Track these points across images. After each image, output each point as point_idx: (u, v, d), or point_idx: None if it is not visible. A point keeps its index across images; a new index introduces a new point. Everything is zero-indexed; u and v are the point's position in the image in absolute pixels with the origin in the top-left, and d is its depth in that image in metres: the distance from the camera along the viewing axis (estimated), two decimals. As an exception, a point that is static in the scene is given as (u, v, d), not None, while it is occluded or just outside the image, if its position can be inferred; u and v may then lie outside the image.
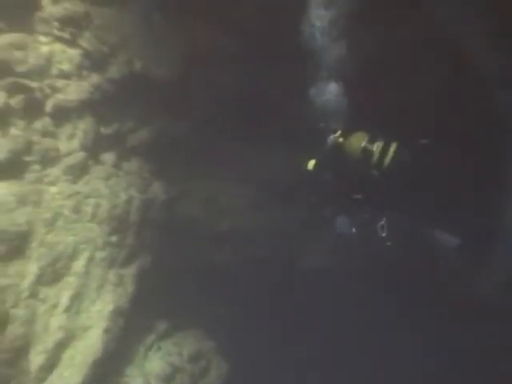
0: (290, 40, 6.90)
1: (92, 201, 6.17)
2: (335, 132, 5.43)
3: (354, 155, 5.25)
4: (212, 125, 7.37)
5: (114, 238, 6.18)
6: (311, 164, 5.49)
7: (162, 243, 6.86)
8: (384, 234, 5.20)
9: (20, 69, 5.98)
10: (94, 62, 6.57)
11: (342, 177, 5.37)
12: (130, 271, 6.28)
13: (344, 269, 7.92)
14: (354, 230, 5.42)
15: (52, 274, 5.50)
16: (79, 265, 5.77)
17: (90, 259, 5.89)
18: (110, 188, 6.44)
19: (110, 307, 5.82)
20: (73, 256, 5.77)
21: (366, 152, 5.14)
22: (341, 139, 5.36)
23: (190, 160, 7.31)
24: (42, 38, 6.23)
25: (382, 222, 5.22)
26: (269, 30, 7.00)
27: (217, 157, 7.51)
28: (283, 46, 7.09)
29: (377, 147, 5.14)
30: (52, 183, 6.06)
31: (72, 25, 6.35)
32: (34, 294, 5.26)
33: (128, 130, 6.99)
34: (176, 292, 6.91)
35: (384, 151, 5.11)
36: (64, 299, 5.45)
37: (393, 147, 5.11)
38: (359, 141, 5.24)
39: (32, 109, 6.02)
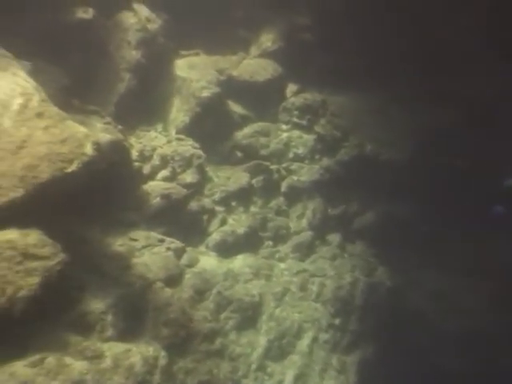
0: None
1: (317, 280, 6.16)
2: None
3: None
4: (443, 209, 6.87)
5: (337, 321, 5.97)
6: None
7: (384, 334, 6.35)
8: None
9: (263, 152, 6.59)
10: (326, 145, 6.90)
11: None
12: (352, 359, 5.90)
13: None
14: None
15: (278, 350, 5.48)
16: (303, 344, 5.66)
17: (314, 340, 5.75)
18: (335, 269, 6.37)
19: (333, 395, 5.48)
20: (298, 334, 5.71)
21: None
22: None
23: (418, 247, 6.84)
24: (284, 126, 6.83)
25: None
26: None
27: (448, 244, 6.90)
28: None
29: None
30: (282, 259, 6.28)
31: (310, 113, 6.87)
32: (262, 367, 5.27)
33: (354, 212, 6.98)
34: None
35: None
36: (289, 377, 5.33)
37: None
38: None
39: (270, 189, 6.49)
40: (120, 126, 5.58)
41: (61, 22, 5.01)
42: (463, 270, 6.92)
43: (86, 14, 5.23)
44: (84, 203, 4.76)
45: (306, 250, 6.45)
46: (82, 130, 4.52)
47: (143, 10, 5.97)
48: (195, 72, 6.30)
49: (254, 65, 6.79)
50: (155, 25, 6.01)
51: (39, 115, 4.36)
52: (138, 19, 5.81)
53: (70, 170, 4.28)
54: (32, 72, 4.54)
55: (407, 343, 6.64)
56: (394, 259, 6.78)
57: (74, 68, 5.18)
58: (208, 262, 5.60)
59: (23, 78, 4.41)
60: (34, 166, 4.17)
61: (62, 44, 5.04)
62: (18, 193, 4.04)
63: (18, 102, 4.29)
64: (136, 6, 5.92)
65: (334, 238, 6.74)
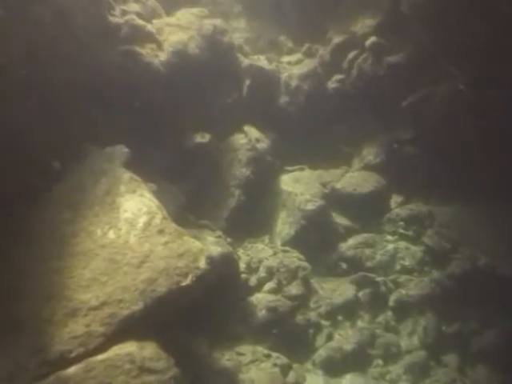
0: None
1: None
2: None
3: None
4: None
5: None
6: None
7: None
8: None
9: (369, 264, 6.46)
10: (435, 257, 6.60)
11: None
12: None
13: None
14: None
15: None
16: None
17: None
18: (455, 395, 5.71)
19: None
20: None
21: None
22: None
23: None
24: (389, 237, 6.73)
25: None
26: None
27: None
28: None
29: None
30: (393, 381, 5.79)
31: (416, 223, 6.73)
32: None
33: (472, 331, 6.36)
34: None
35: None
36: None
37: None
38: None
39: (377, 302, 6.24)
40: (229, 239, 5.86)
41: (182, 146, 5.62)
42: None
43: (203, 138, 5.84)
44: (193, 315, 4.90)
45: (419, 372, 5.89)
46: (197, 244, 4.79)
47: (253, 132, 6.53)
48: (300, 186, 6.58)
49: (356, 177, 6.95)
50: (264, 144, 6.51)
51: (160, 232, 4.73)
52: (248, 140, 6.33)
53: (184, 283, 4.49)
54: (156, 192, 5.03)
55: None
56: (525, 388, 5.96)
57: (191, 186, 5.67)
58: (315, 381, 5.35)
59: (148, 199, 4.89)
60: (153, 279, 4.44)
61: (182, 165, 5.60)
62: (138, 306, 4.28)
63: (143, 220, 4.72)
64: (246, 128, 6.50)
65: (451, 359, 6.11)
